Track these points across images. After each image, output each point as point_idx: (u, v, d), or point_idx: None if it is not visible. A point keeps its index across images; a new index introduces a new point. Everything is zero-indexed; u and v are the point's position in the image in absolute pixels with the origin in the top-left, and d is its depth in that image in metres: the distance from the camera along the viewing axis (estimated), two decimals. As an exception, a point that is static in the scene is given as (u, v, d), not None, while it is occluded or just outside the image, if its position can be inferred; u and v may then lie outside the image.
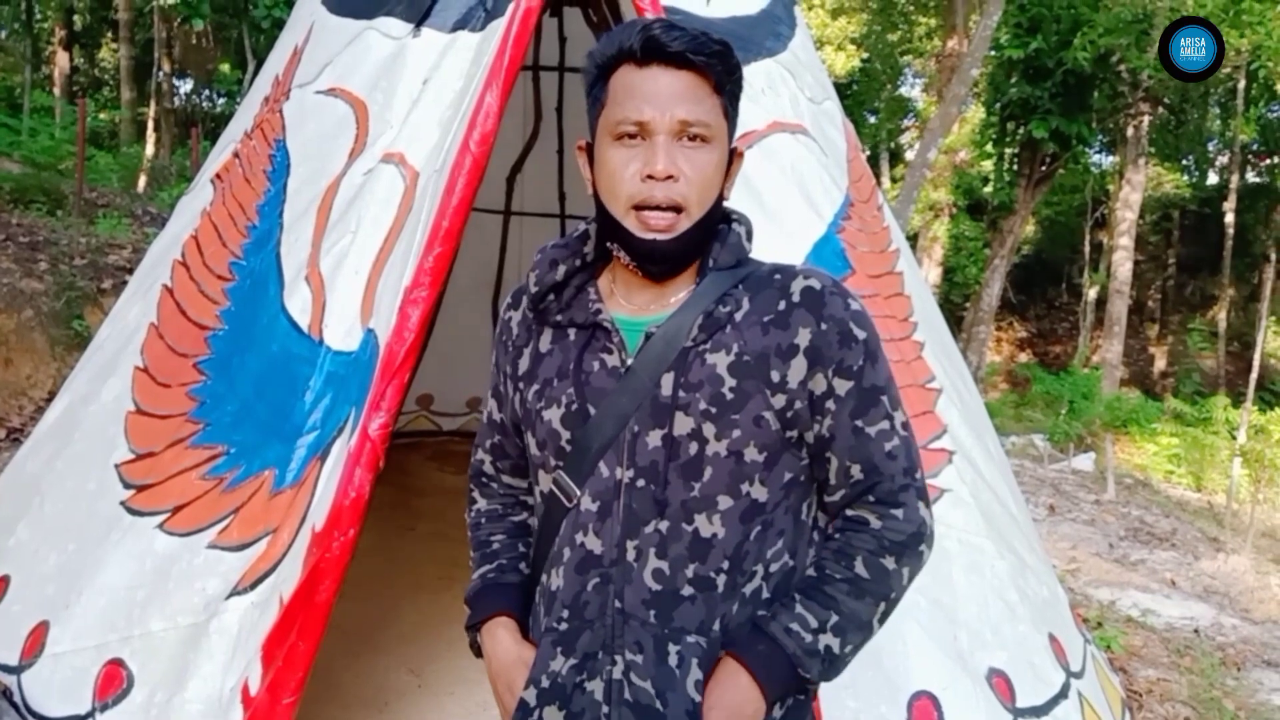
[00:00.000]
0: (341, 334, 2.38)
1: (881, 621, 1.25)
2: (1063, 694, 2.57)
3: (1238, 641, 4.51)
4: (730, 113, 1.24)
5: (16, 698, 2.25)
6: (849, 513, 1.27)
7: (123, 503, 2.39)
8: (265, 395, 2.40)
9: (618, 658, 1.20)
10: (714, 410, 1.19)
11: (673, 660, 1.19)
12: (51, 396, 4.33)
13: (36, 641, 2.32)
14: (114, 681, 2.18)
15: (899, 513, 1.24)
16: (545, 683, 1.23)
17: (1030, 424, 13.06)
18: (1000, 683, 2.44)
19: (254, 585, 2.16)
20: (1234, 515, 7.90)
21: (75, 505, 2.51)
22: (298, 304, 2.46)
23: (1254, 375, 13.58)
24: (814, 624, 1.19)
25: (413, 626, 3.43)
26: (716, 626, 1.21)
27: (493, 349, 1.42)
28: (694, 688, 1.18)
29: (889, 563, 1.23)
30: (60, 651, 2.28)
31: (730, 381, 1.20)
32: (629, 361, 1.23)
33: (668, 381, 1.20)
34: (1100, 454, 9.87)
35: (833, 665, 1.22)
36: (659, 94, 1.17)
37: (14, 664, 2.32)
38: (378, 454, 2.15)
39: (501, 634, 1.33)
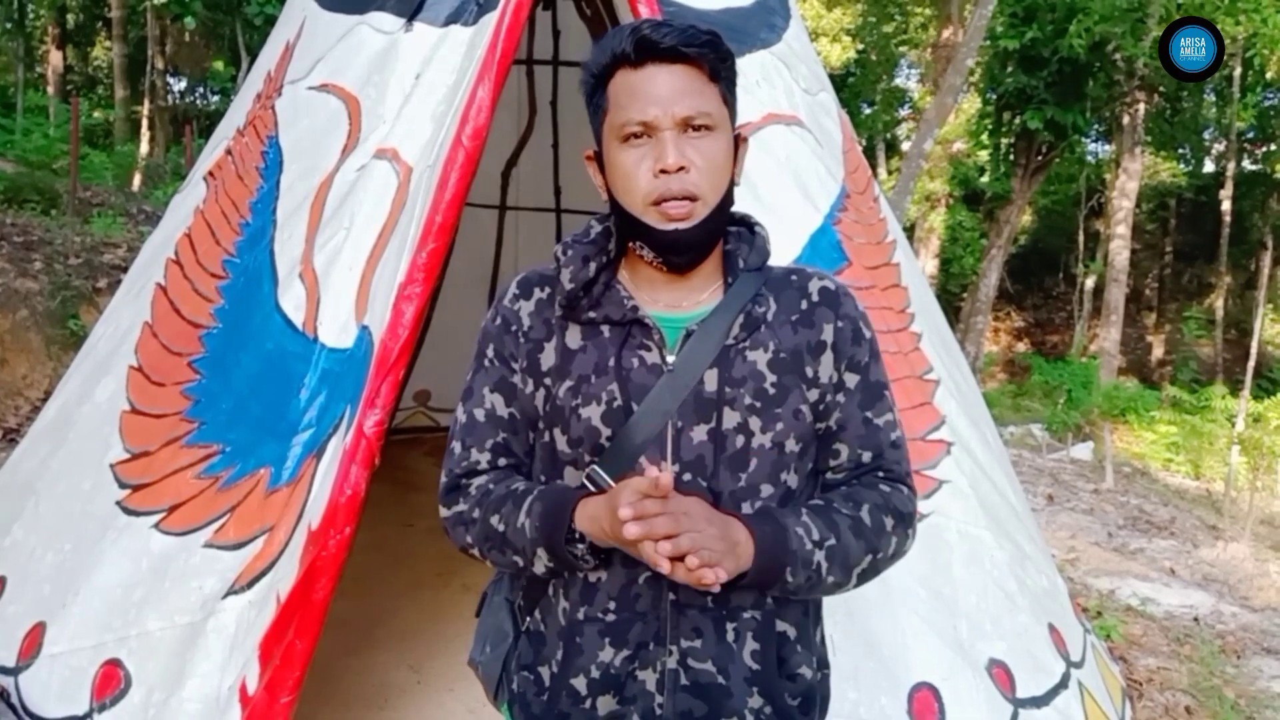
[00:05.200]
0: (336, 331, 2.38)
1: (860, 579, 1.26)
2: (1063, 684, 2.57)
3: (1237, 629, 4.51)
4: (729, 99, 1.26)
5: (14, 699, 2.25)
6: (862, 478, 1.33)
7: (118, 502, 2.38)
8: (260, 393, 2.39)
9: (673, 648, 1.24)
10: (758, 405, 1.24)
11: (730, 636, 1.25)
12: (47, 396, 4.32)
13: (33, 642, 2.31)
14: (111, 682, 2.18)
15: (904, 489, 1.33)
16: (595, 673, 1.25)
17: (1028, 414, 13.05)
18: (1000, 673, 2.44)
19: (251, 584, 2.16)
20: (1232, 503, 7.90)
21: (71, 505, 2.51)
22: (292, 301, 2.46)
23: (1251, 362, 13.54)
24: (816, 536, 1.21)
25: (411, 623, 3.43)
26: (769, 602, 1.26)
27: (487, 341, 1.34)
28: (751, 657, 1.25)
29: (888, 521, 1.28)
30: (57, 652, 2.27)
31: (771, 377, 1.25)
32: (670, 358, 1.25)
33: (711, 378, 1.24)
34: (1098, 443, 9.88)
35: (810, 585, 1.20)
36: (659, 91, 1.20)
37: (11, 665, 2.31)
38: (373, 451, 2.15)
39: (591, 499, 1.19)
